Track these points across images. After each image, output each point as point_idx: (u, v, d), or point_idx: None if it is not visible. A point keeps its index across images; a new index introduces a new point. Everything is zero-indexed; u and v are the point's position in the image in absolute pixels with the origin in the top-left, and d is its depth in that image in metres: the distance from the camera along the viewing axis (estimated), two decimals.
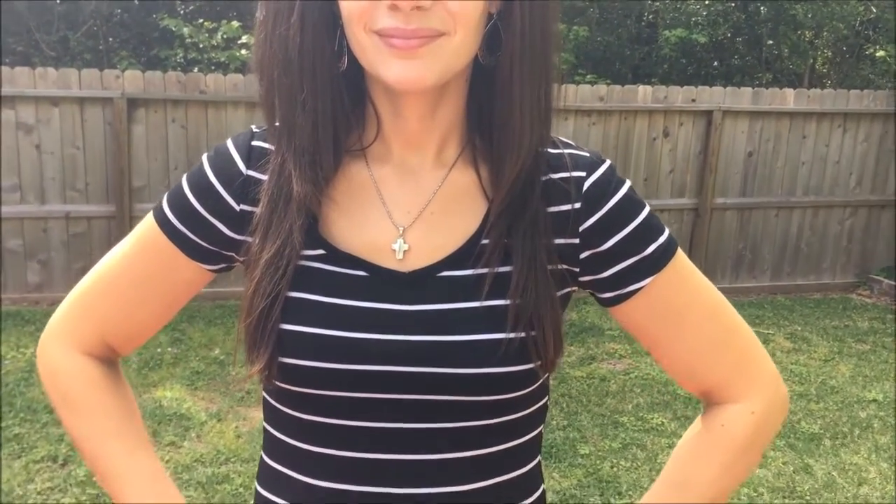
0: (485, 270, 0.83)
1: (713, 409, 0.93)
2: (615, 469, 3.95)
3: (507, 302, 0.82)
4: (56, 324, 0.96)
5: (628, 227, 0.86)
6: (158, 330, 0.99)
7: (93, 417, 0.93)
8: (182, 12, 8.78)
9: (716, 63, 9.65)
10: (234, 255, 0.90)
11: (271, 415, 0.90)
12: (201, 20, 8.08)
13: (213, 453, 3.91)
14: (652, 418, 4.48)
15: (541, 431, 0.92)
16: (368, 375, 0.81)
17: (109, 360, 0.97)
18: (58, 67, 5.98)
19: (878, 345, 5.90)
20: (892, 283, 7.02)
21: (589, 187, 0.87)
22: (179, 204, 0.90)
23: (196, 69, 7.37)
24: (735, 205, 6.92)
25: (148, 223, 0.92)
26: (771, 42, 9.41)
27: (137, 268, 0.92)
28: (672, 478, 0.93)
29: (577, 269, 0.87)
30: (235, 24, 7.69)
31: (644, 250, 0.86)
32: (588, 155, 0.89)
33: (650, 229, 0.88)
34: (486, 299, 0.82)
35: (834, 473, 4.00)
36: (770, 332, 6.04)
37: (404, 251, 0.84)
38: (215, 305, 6.18)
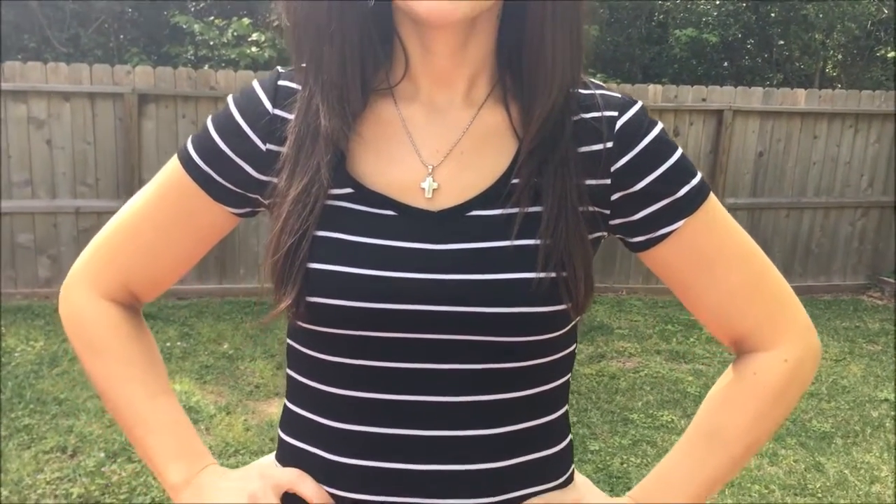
0: (515, 210, 0.82)
1: (745, 358, 0.91)
2: (625, 465, 3.93)
3: (538, 242, 0.81)
4: (79, 269, 0.95)
5: (661, 167, 0.85)
6: (181, 276, 0.98)
7: (116, 362, 0.92)
8: (193, 9, 8.80)
9: (726, 63, 9.63)
10: (259, 197, 0.89)
11: (296, 360, 0.89)
12: (212, 17, 8.10)
13: (222, 445, 3.91)
14: (661, 415, 4.46)
15: (568, 380, 0.91)
16: (396, 315, 0.80)
17: (132, 306, 0.96)
18: (69, 63, 5.99)
19: (889, 345, 5.87)
20: None
21: (621, 127, 0.85)
22: (205, 145, 0.89)
23: (207, 66, 7.38)
24: (745, 205, 6.90)
25: (172, 166, 0.91)
26: (782, 42, 9.39)
27: (161, 211, 0.91)
28: (703, 427, 0.91)
29: (608, 212, 0.86)
30: (246, 21, 7.71)
31: (676, 192, 0.85)
32: (619, 96, 0.88)
33: (683, 171, 0.86)
34: (517, 239, 0.81)
35: (846, 472, 3.97)
36: None
37: (433, 190, 0.83)
38: (224, 301, 6.18)
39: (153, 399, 0.92)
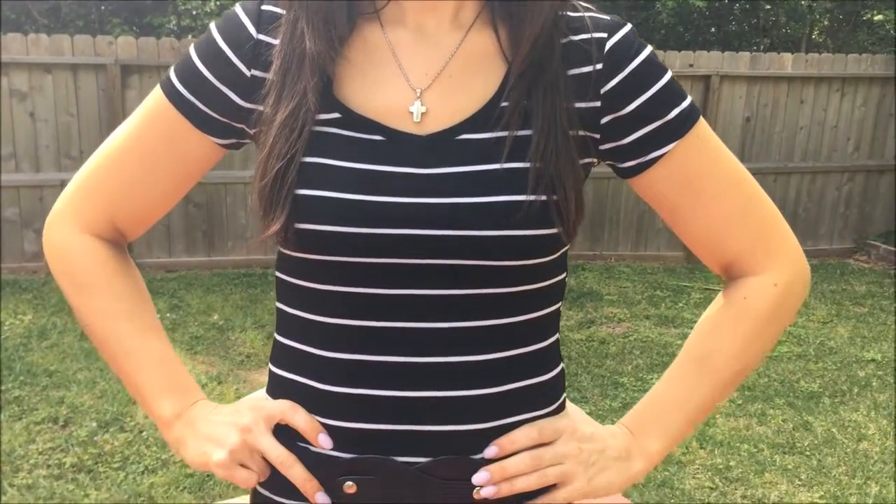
0: (504, 133, 0.81)
1: (735, 283, 0.91)
2: None
3: (528, 165, 0.80)
4: (63, 204, 0.93)
5: (651, 90, 0.84)
6: (166, 212, 0.96)
7: (102, 298, 0.91)
8: None
9: (713, 29, 9.60)
10: (244, 127, 0.87)
11: (284, 292, 0.88)
12: None
13: None
14: (651, 379, 4.49)
15: (559, 310, 0.91)
16: (385, 240, 0.79)
17: (118, 242, 0.95)
18: (50, 35, 5.91)
19: (875, 307, 5.92)
20: (890, 247, 7.03)
21: (610, 48, 0.85)
22: (188, 73, 0.87)
23: (190, 36, 7.30)
24: None
25: (156, 96, 0.89)
26: (769, 7, 9.36)
27: (145, 143, 0.89)
28: (693, 353, 0.92)
29: (598, 136, 0.85)
30: None
31: (667, 114, 0.84)
32: (608, 18, 0.87)
33: (673, 93, 0.86)
34: (506, 162, 0.80)
35: (833, 430, 4.02)
36: None
37: (422, 114, 0.82)
38: (213, 274, 6.16)
39: (142, 335, 0.92)
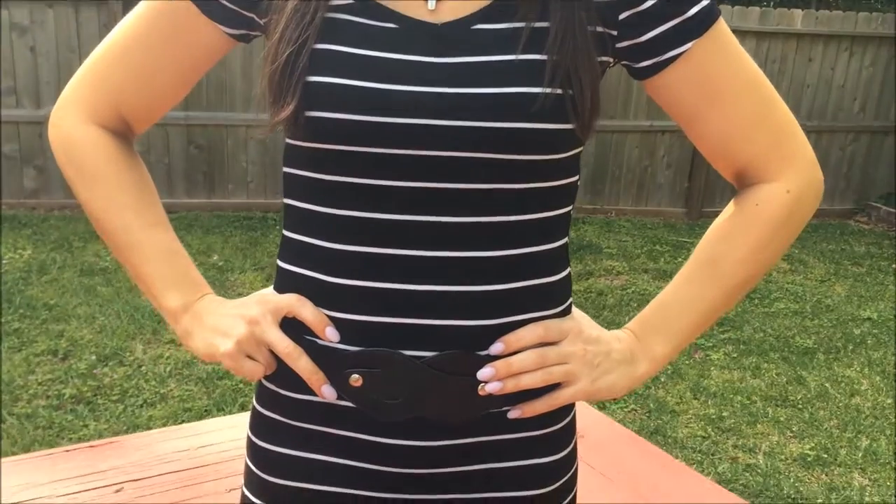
0: (521, 24, 0.80)
1: (747, 190, 0.91)
2: None
3: (545, 56, 0.79)
4: (69, 94, 0.92)
5: None
6: (173, 105, 0.95)
7: (109, 189, 0.90)
8: None
9: None
10: (254, 17, 0.86)
11: (293, 185, 0.87)
12: None
13: None
14: None
15: (570, 213, 0.90)
16: (397, 129, 0.78)
17: (124, 135, 0.94)
18: None
19: (874, 268, 5.94)
20: (891, 209, 7.03)
21: None
22: None
23: None
24: None
25: None
26: None
27: (153, 32, 0.88)
28: (703, 257, 0.91)
29: (616, 33, 0.84)
30: None
31: (686, 11, 0.82)
32: None
33: None
34: (522, 53, 0.79)
35: (826, 385, 4.05)
36: None
37: (437, 2, 0.81)
38: (213, 215, 6.15)
39: (150, 228, 0.91)
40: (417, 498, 0.87)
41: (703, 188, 6.85)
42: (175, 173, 6.20)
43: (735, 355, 4.32)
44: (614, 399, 0.93)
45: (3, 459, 1.28)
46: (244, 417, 0.95)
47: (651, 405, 3.73)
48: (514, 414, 0.87)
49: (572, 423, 0.94)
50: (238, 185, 6.37)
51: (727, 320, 4.73)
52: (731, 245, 0.90)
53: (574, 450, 0.95)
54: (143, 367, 3.76)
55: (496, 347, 0.83)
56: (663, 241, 6.23)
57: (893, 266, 5.99)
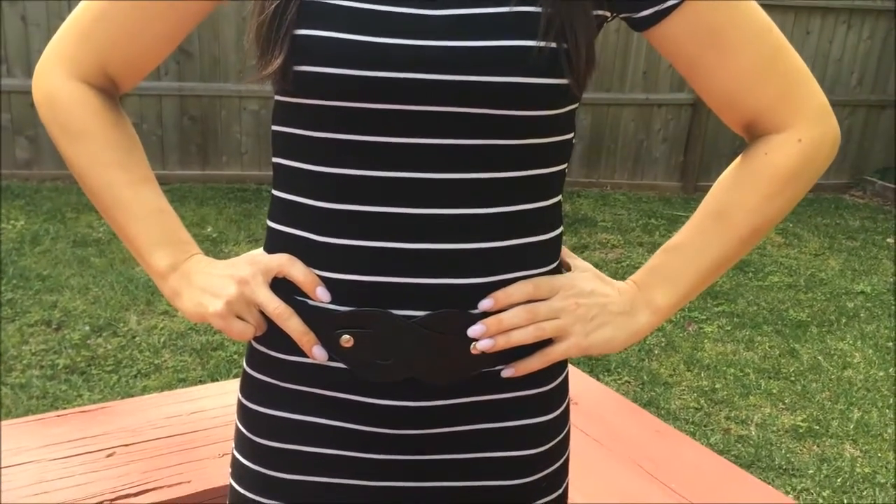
0: None
1: (757, 140, 0.89)
2: None
3: (539, 9, 0.77)
4: (53, 50, 0.90)
5: None
6: (159, 62, 0.93)
7: (94, 146, 0.89)
8: None
9: None
10: None
11: (282, 144, 0.86)
12: None
13: (206, 326, 3.93)
14: None
15: (564, 171, 0.89)
16: (387, 83, 0.76)
17: (110, 93, 0.92)
18: None
19: (868, 242, 5.95)
20: (886, 184, 7.02)
21: None
22: None
23: None
24: None
25: None
26: None
27: None
28: (711, 207, 0.90)
29: None
30: None
31: None
32: None
33: None
34: (517, 5, 0.77)
35: (819, 357, 4.07)
36: None
37: None
38: (207, 187, 6.12)
39: (136, 185, 0.90)
40: (409, 459, 0.87)
41: (698, 162, 6.84)
42: (168, 145, 6.16)
43: (728, 328, 4.33)
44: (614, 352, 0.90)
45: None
46: (236, 384, 0.95)
47: (644, 377, 3.74)
48: (507, 373, 0.86)
49: (565, 383, 0.94)
50: (232, 157, 6.33)
51: (721, 293, 4.74)
52: (740, 195, 0.88)
53: (567, 410, 0.95)
54: (137, 338, 3.76)
55: (485, 303, 0.82)
56: (658, 215, 6.22)
57: (888, 240, 6.00)
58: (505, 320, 0.83)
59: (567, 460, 0.97)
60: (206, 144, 6.25)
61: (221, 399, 1.40)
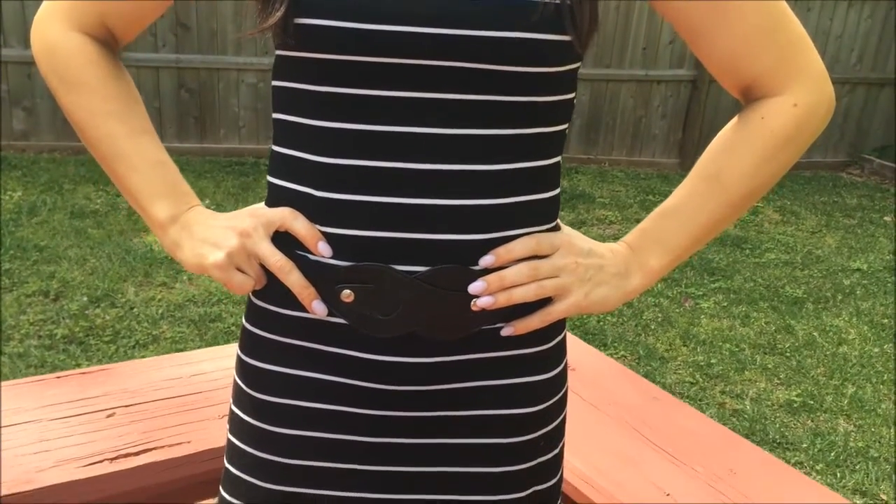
0: None
1: (752, 104, 0.89)
2: (601, 323, 4.02)
3: None
4: (52, 1, 0.90)
5: None
6: (158, 15, 0.93)
7: (93, 96, 0.89)
8: None
9: None
10: None
11: (282, 99, 0.85)
12: None
13: (205, 295, 3.94)
14: None
15: (565, 131, 0.89)
16: (390, 37, 0.76)
17: (109, 45, 0.92)
18: None
19: (865, 220, 5.95)
20: (884, 162, 7.02)
21: None
22: None
23: None
24: None
25: None
26: None
27: None
28: (704, 171, 0.90)
29: None
30: None
31: None
32: None
33: None
34: None
35: (815, 334, 4.08)
36: (759, 204, 6.06)
37: None
38: (204, 160, 6.11)
39: (135, 136, 0.90)
40: (408, 415, 0.87)
41: (697, 139, 6.82)
42: (166, 117, 6.14)
43: (725, 304, 4.35)
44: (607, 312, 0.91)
45: None
46: (236, 348, 0.95)
47: (641, 351, 3.76)
48: (506, 331, 0.87)
49: (563, 343, 0.94)
50: (230, 130, 6.31)
51: (718, 269, 4.75)
52: (733, 159, 0.89)
53: (564, 371, 0.95)
54: (135, 309, 3.76)
55: (486, 259, 0.83)
56: (656, 192, 6.22)
57: (885, 218, 6.01)
58: (506, 277, 0.83)
59: (564, 421, 0.98)
60: (204, 117, 6.23)
61: (222, 362, 1.41)
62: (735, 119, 0.91)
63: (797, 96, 0.86)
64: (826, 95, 0.88)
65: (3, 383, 1.27)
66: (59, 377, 1.32)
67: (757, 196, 0.90)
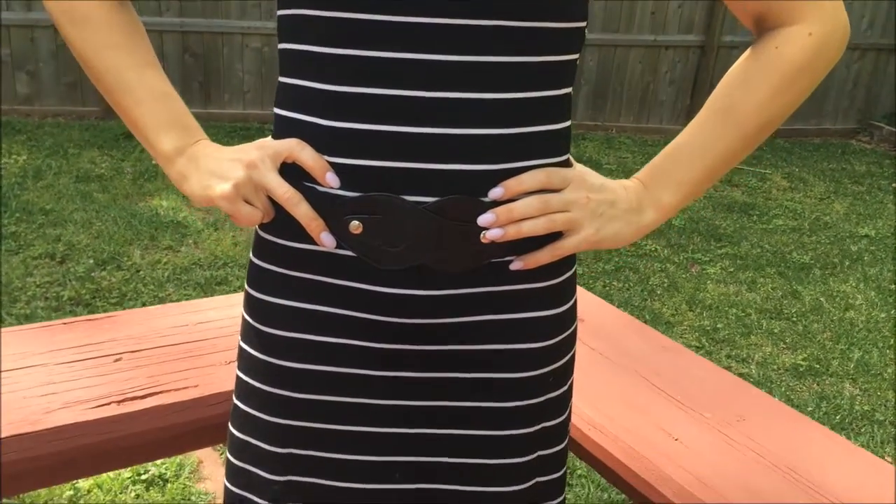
0: None
1: (766, 34, 0.88)
2: (607, 289, 4.01)
3: None
4: None
5: None
6: None
7: (99, 30, 0.88)
8: None
9: None
10: None
11: (289, 30, 0.83)
12: None
13: (211, 258, 3.94)
14: (645, 244, 4.52)
15: (576, 63, 0.87)
16: None
17: None
18: None
19: (873, 187, 5.92)
20: (893, 129, 6.96)
21: None
22: None
23: None
24: (743, 43, 6.74)
25: None
26: None
27: None
28: (717, 104, 0.89)
29: None
30: None
31: None
32: None
33: None
34: None
35: (821, 299, 4.07)
36: (767, 171, 6.03)
37: None
38: (209, 125, 6.08)
39: (141, 69, 0.89)
40: (416, 348, 0.86)
41: None
42: (170, 81, 6.10)
43: (732, 269, 4.33)
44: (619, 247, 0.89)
45: (3, 329, 1.28)
46: (243, 298, 0.95)
47: (647, 316, 3.75)
48: (516, 265, 0.86)
49: (573, 278, 0.93)
50: (234, 96, 6.28)
51: (725, 236, 4.73)
52: (747, 89, 0.87)
53: (574, 308, 0.94)
54: (141, 272, 3.76)
55: (496, 191, 0.81)
56: None
57: (893, 185, 5.97)
58: (516, 210, 0.82)
59: (573, 359, 0.97)
60: (209, 82, 6.20)
61: (228, 311, 1.40)
62: (748, 51, 0.89)
63: (812, 25, 0.85)
64: (841, 24, 0.86)
65: (10, 329, 1.27)
66: (65, 323, 1.32)
67: (770, 128, 0.89)
